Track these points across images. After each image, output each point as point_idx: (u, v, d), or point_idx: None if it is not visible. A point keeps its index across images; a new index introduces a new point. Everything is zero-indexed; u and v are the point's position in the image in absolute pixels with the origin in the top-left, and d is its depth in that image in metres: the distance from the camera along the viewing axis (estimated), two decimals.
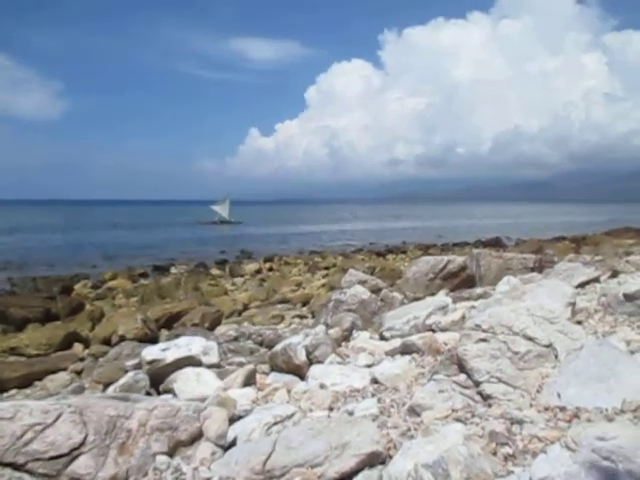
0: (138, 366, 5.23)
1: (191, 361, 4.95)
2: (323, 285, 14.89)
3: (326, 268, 20.48)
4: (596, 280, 7.32)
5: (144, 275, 20.43)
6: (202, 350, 5.24)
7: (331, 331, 5.69)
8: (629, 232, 27.51)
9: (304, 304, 12.02)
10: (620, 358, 2.90)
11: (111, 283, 17.83)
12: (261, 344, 6.26)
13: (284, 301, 12.46)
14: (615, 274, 7.88)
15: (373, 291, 7.58)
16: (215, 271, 21.41)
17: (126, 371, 5.24)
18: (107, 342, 8.82)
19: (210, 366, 5.07)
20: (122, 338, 8.46)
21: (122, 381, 4.69)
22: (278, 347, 5.09)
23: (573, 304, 4.90)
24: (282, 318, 10.11)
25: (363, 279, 8.29)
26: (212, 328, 9.20)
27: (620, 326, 4.56)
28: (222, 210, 58.74)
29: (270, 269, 21.75)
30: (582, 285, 7.09)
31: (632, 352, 3.67)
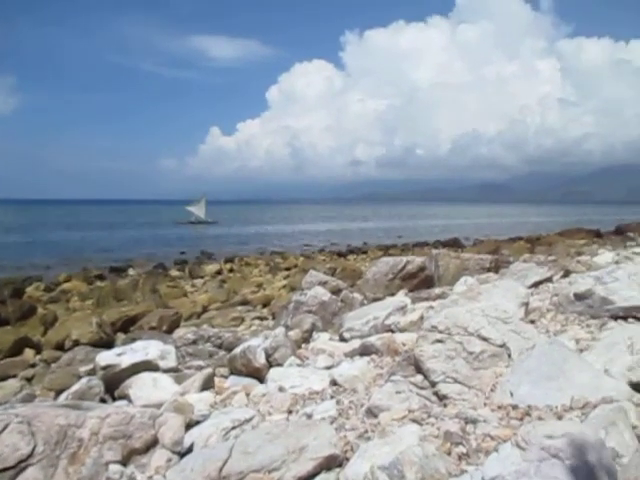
0: (92, 372, 5.10)
1: (148, 366, 4.86)
2: (284, 286, 14.84)
3: (287, 269, 20.44)
4: (549, 280, 7.55)
5: (100, 277, 19.90)
6: (159, 354, 5.15)
7: (291, 333, 5.67)
8: (581, 233, 28.52)
9: (265, 305, 11.96)
10: (569, 357, 3.00)
11: (65, 285, 17.30)
12: (220, 347, 6.18)
13: (244, 302, 12.37)
14: (567, 274, 8.16)
15: (334, 292, 7.60)
16: (174, 272, 21.07)
17: (79, 377, 5.09)
18: (60, 347, 8.55)
19: (167, 370, 4.99)
20: (76, 343, 8.22)
21: (75, 388, 4.55)
22: (237, 350, 5.04)
23: (526, 304, 5.05)
24: (242, 320, 10.04)
25: (324, 280, 8.31)
26: (170, 331, 9.05)
27: (570, 325, 4.72)
28: (198, 210, 59.19)
29: (231, 270, 21.55)
30: (536, 285, 7.30)
31: (581, 350, 3.80)
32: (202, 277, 19.26)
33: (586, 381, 2.84)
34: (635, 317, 4.68)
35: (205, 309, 11.89)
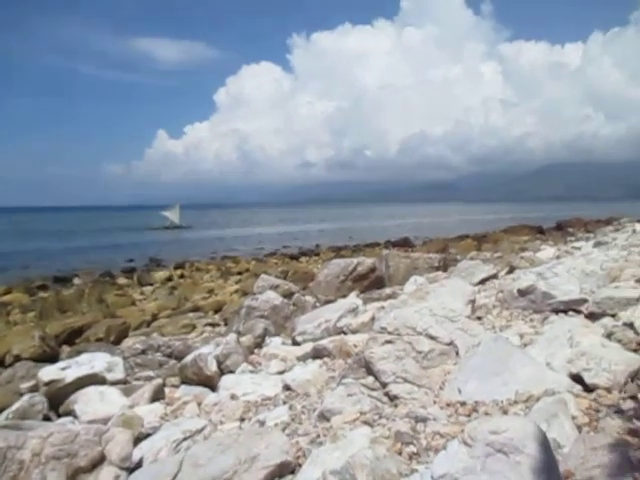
0: (35, 388, 4.89)
1: (94, 379, 4.71)
2: (236, 291, 14.66)
3: (239, 273, 20.23)
4: (495, 277, 7.81)
5: (43, 287, 19.10)
6: (106, 366, 5.00)
7: (243, 339, 5.63)
8: (524, 229, 29.56)
9: (216, 311, 11.77)
10: (513, 352, 3.11)
11: (5, 297, 16.51)
12: (170, 356, 6.06)
13: (195, 309, 12.15)
14: (512, 270, 8.45)
15: (285, 296, 7.59)
16: (122, 280, 20.47)
17: (21, 394, 4.87)
18: (0, 363, 8.16)
19: (115, 383, 4.85)
20: (17, 358, 7.84)
21: (16, 406, 4.35)
22: (188, 358, 4.96)
23: (473, 301, 5.19)
24: (193, 327, 9.85)
25: (275, 284, 8.29)
26: (118, 342, 8.79)
27: (515, 320, 4.89)
28: (173, 215, 60.35)
29: (181, 276, 21.12)
30: (482, 282, 7.52)
31: (525, 345, 3.94)
32: (151, 284, 18.81)
33: (529, 375, 2.94)
34: (575, 310, 4.89)
35: (155, 317, 11.61)
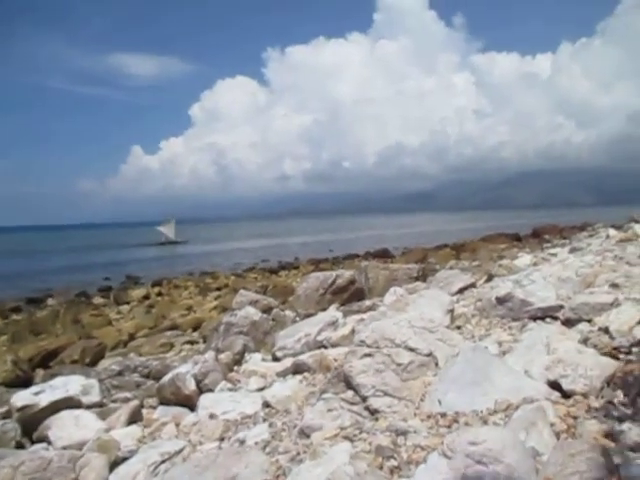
0: (7, 414, 4.76)
1: (69, 403, 4.61)
2: (215, 307, 14.57)
3: (218, 289, 20.11)
4: (473, 285, 7.87)
5: (16, 310, 18.70)
6: (81, 389, 4.90)
7: (222, 356, 5.58)
8: (501, 237, 29.95)
9: (195, 329, 11.68)
10: (491, 361, 3.13)
11: None
12: (148, 376, 5.98)
13: (174, 327, 12.02)
14: (490, 278, 8.54)
15: (265, 311, 7.56)
16: (98, 300, 20.20)
17: None
18: None
19: (91, 406, 4.76)
20: None
21: None
22: (166, 378, 4.90)
23: (452, 311, 5.22)
24: (171, 346, 9.75)
25: (254, 299, 8.25)
26: (94, 363, 8.64)
27: (494, 328, 4.93)
28: (168, 230, 61.13)
29: (159, 294, 20.93)
30: (461, 291, 7.58)
31: (504, 353, 3.97)
32: (128, 303, 18.59)
33: (508, 384, 2.97)
34: (552, 317, 4.96)
35: (132, 337, 11.47)
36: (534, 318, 4.91)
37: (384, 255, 29.38)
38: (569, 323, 4.45)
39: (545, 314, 4.91)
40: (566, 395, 2.85)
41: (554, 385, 2.94)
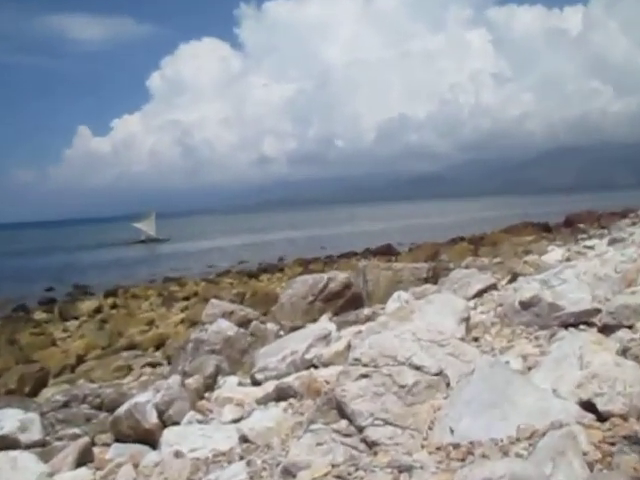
0: None
1: (4, 442, 4.63)
2: (182, 321, 14.57)
3: (185, 298, 20.09)
4: (493, 287, 7.93)
5: None
6: (19, 425, 4.91)
7: (190, 380, 5.59)
8: (528, 228, 30.09)
9: (157, 347, 11.72)
10: (513, 379, 3.16)
11: None
12: (100, 408, 5.97)
13: (132, 346, 12.04)
14: (514, 278, 8.59)
15: (242, 324, 7.57)
16: (39, 315, 20.15)
17: None
18: None
19: (31, 445, 4.77)
20: None
21: None
22: (122, 409, 4.92)
23: (467, 319, 5.25)
24: (129, 369, 9.78)
25: (229, 310, 8.26)
26: (35, 393, 8.64)
27: (517, 339, 4.97)
28: (147, 227, 62.87)
29: (113, 306, 20.90)
30: (479, 294, 7.63)
31: (529, 368, 4.01)
32: (76, 318, 18.54)
33: (533, 405, 2.99)
34: (586, 323, 5.00)
35: (81, 359, 11.45)
36: (565, 325, 4.95)
37: (387, 252, 29.44)
38: (607, 330, 4.49)
39: (578, 320, 4.96)
40: (602, 417, 2.87)
41: (587, 406, 2.97)
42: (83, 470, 4.05)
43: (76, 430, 5.30)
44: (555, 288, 5.38)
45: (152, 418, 4.63)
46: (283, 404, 4.41)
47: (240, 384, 5.68)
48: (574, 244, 14.49)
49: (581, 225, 27.24)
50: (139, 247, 57.47)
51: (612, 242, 10.90)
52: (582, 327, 4.88)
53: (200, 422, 4.55)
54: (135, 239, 61.86)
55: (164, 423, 4.65)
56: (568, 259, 9.76)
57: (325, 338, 6.09)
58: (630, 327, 4.29)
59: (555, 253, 11.31)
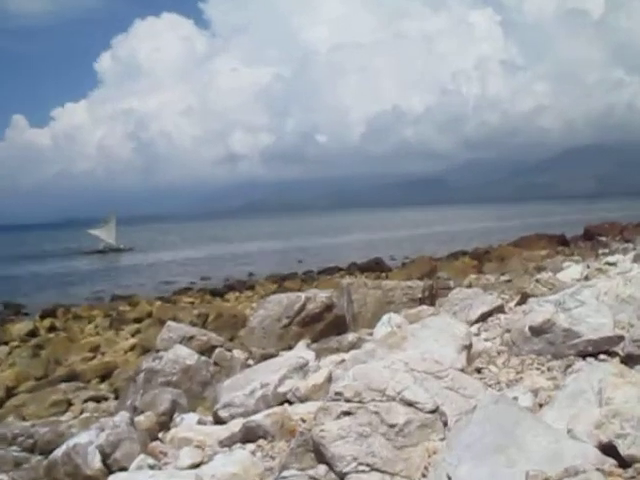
0: None
1: None
2: (132, 347, 14.46)
3: (137, 320, 19.93)
4: (500, 310, 7.98)
5: None
6: None
7: (141, 418, 5.55)
8: (541, 240, 30.31)
9: (103, 379, 11.61)
10: (521, 418, 3.18)
11: None
12: (33, 450, 5.92)
13: (72, 377, 11.91)
14: (524, 299, 8.65)
15: (204, 351, 7.55)
16: None
17: None
18: None
19: None
20: None
21: None
22: (59, 452, 4.87)
23: (468, 347, 5.28)
24: (68, 404, 9.67)
25: (189, 334, 8.22)
26: None
27: (527, 371, 5.01)
28: (106, 234, 63.53)
29: (51, 328, 20.71)
30: (483, 318, 7.68)
31: (540, 405, 4.04)
32: (6, 343, 18.34)
33: (545, 449, 3.01)
34: (607, 352, 5.05)
35: (10, 392, 11.32)
36: (583, 355, 4.99)
37: (375, 268, 29.54)
38: (631, 361, 4.54)
39: (598, 349, 5.01)
40: (624, 463, 2.90)
41: (608, 449, 3.00)
42: None
43: (3, 477, 5.24)
44: (571, 311, 5.43)
45: (95, 463, 4.59)
46: (251, 446, 4.38)
47: (200, 422, 5.64)
48: (594, 260, 14.65)
49: (602, 238, 27.52)
50: (96, 258, 57.88)
51: (637, 258, 11.03)
52: (602, 357, 4.93)
53: (152, 467, 4.50)
54: (92, 248, 62.49)
55: (109, 468, 4.60)
56: (587, 277, 9.86)
57: (302, 368, 6.09)
58: None
59: (572, 270, 11.41)
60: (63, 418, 8.59)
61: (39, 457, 5.66)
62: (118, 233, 65.00)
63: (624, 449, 2.94)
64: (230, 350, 7.90)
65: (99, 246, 63.04)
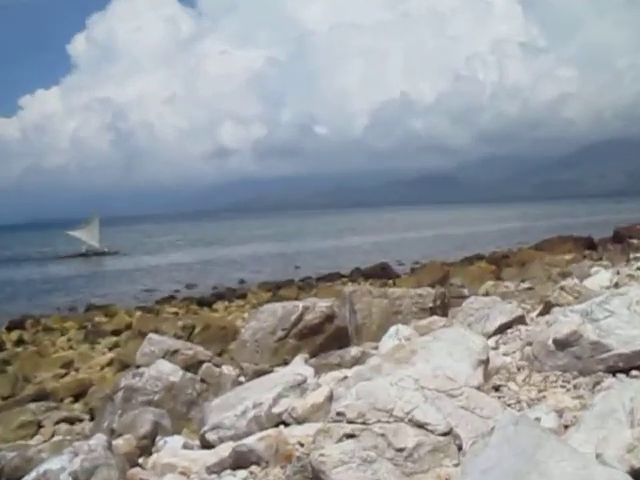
0: None
1: None
2: (110, 362, 14.48)
3: (115, 332, 19.96)
4: (521, 321, 7.97)
5: None
6: None
7: (119, 442, 5.54)
8: (566, 243, 30.30)
9: (77, 398, 11.61)
10: (543, 441, 3.16)
11: None
12: None
13: (42, 396, 11.89)
14: (547, 309, 8.64)
15: (189, 367, 7.55)
16: None
17: None
18: None
19: None
20: None
21: None
22: (28, 479, 4.85)
23: (485, 362, 5.27)
24: (38, 426, 9.66)
25: (173, 348, 8.23)
26: None
27: (551, 389, 4.99)
28: (88, 236, 64.47)
29: (19, 342, 20.72)
30: (502, 329, 7.67)
31: (566, 426, 4.03)
32: None
33: (570, 475, 2.99)
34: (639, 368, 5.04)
35: None
36: (613, 371, 4.98)
37: (382, 274, 29.53)
38: None
39: (630, 364, 4.99)
40: None
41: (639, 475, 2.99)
42: None
43: None
44: (600, 322, 5.42)
45: None
46: (242, 473, 4.37)
47: (186, 446, 5.63)
48: (625, 265, 14.61)
49: (634, 241, 27.50)
50: (77, 262, 58.44)
51: None
52: (634, 373, 4.91)
53: None
54: (72, 252, 63.34)
55: None
56: (617, 284, 9.84)
57: (299, 386, 6.07)
58: None
59: (600, 276, 11.39)
60: (32, 442, 8.59)
61: None
62: (102, 235, 65.65)
63: None
64: (219, 366, 7.89)
65: (81, 249, 63.82)
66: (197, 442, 5.78)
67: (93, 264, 56.69)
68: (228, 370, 7.85)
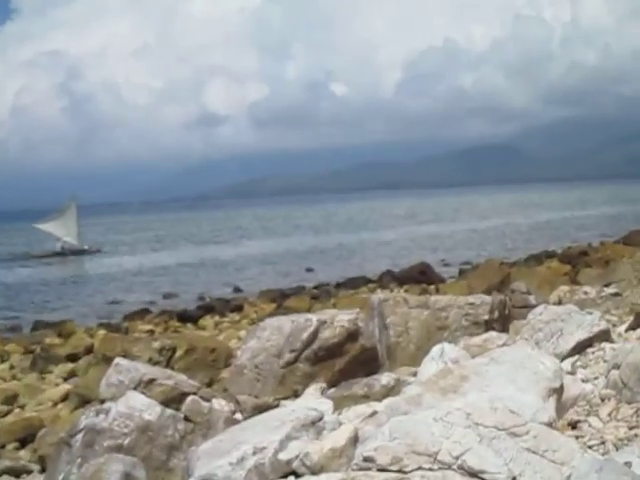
0: None
1: None
2: (65, 397, 14.54)
3: (71, 358, 20.05)
4: (605, 337, 7.96)
5: None
6: None
7: None
8: None
9: (24, 443, 11.69)
10: None
11: None
12: None
13: None
14: (639, 321, 8.63)
15: (170, 401, 7.56)
16: None
17: None
18: None
19: None
20: None
21: None
22: None
23: (558, 391, 5.25)
24: None
25: (147, 377, 8.24)
26: None
27: None
28: (63, 230, 65.18)
29: None
30: (580, 348, 7.67)
31: None
32: None
33: None
34: None
35: None
36: None
37: (420, 278, 29.50)
38: None
39: None
40: None
41: None
42: None
43: None
44: None
45: None
46: None
47: None
48: None
49: None
50: (54, 263, 59.43)
51: None
52: None
53: None
54: (50, 251, 64.47)
55: None
56: None
57: (314, 425, 6.06)
58: None
59: None
60: None
61: None
62: (80, 228, 66.45)
63: None
64: (208, 399, 7.89)
65: (56, 247, 64.81)
66: None
67: (62, 267, 57.13)
68: (220, 405, 7.85)
